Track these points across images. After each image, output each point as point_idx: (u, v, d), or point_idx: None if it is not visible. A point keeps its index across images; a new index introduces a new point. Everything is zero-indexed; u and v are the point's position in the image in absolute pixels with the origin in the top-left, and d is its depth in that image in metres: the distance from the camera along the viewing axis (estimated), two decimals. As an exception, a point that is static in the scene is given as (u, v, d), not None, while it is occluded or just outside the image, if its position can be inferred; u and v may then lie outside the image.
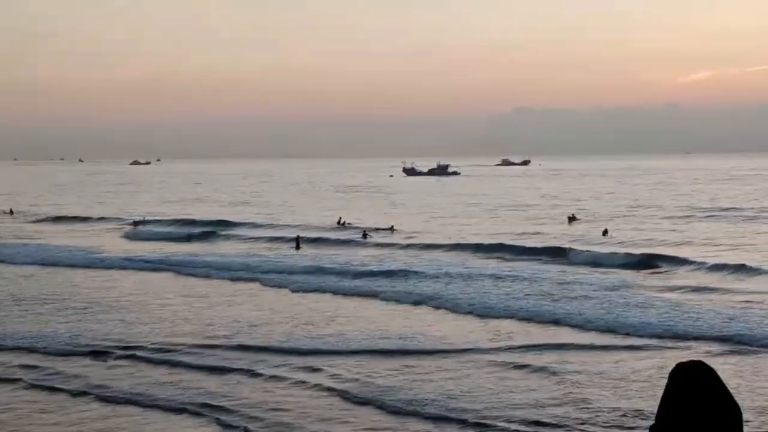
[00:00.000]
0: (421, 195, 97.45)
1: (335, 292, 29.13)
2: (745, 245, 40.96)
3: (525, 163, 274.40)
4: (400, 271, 33.03)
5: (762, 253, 37.14)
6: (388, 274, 32.32)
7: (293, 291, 30.01)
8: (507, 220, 59.84)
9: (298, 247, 44.82)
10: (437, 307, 25.71)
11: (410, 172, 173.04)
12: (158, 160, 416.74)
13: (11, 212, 74.02)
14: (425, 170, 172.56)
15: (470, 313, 24.82)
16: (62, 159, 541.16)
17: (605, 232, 48.09)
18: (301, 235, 48.76)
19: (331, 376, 17.21)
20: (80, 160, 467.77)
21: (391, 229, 51.98)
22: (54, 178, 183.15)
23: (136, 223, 61.29)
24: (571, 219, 57.34)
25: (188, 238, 50.47)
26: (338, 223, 57.49)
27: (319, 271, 34.45)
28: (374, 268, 34.12)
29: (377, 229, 51.46)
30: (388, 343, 20.37)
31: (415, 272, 32.48)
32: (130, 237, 52.68)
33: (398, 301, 27.00)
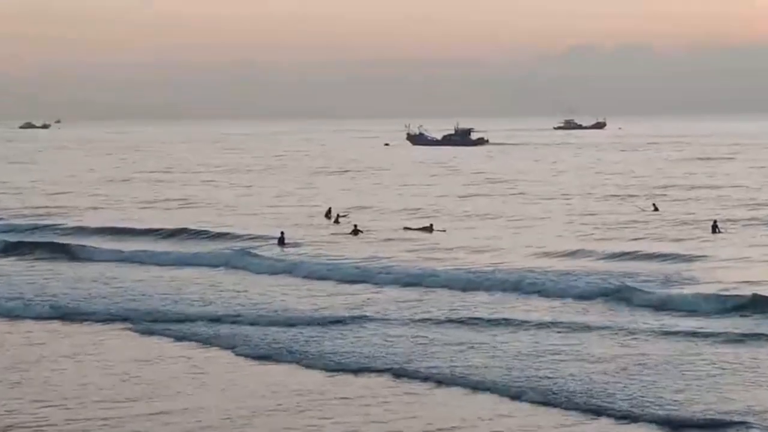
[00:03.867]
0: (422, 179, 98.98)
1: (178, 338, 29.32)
2: None
3: (599, 125, 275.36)
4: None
5: None
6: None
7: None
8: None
9: (282, 243, 48.51)
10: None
11: (417, 139, 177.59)
12: (58, 121, 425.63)
13: None
14: (438, 137, 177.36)
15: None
16: None
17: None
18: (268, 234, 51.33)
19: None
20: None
21: (430, 228, 53.60)
22: None
23: None
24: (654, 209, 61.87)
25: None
26: (327, 216, 59.87)
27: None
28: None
29: (406, 229, 54.11)
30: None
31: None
32: None
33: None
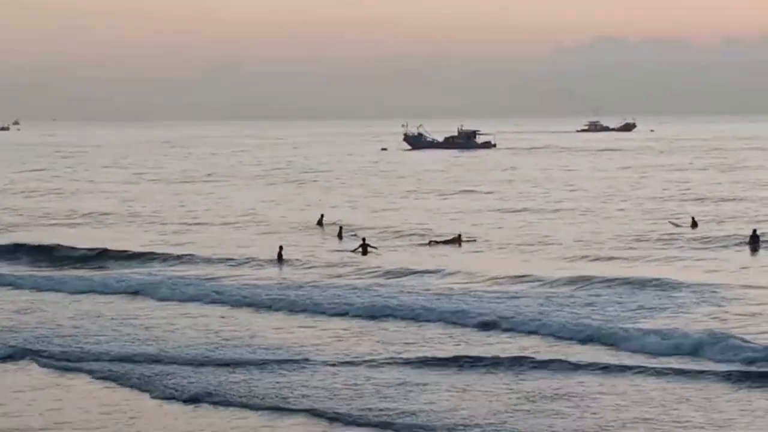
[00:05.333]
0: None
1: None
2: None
3: (627, 128, 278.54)
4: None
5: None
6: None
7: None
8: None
9: (280, 259, 49.68)
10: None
11: (415, 141, 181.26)
12: (16, 123, 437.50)
13: None
14: (440, 139, 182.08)
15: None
16: None
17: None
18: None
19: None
20: None
21: (459, 240, 54.55)
22: None
23: None
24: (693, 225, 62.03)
25: None
26: (319, 224, 62.17)
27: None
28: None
29: (432, 242, 55.06)
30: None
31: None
32: None
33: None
